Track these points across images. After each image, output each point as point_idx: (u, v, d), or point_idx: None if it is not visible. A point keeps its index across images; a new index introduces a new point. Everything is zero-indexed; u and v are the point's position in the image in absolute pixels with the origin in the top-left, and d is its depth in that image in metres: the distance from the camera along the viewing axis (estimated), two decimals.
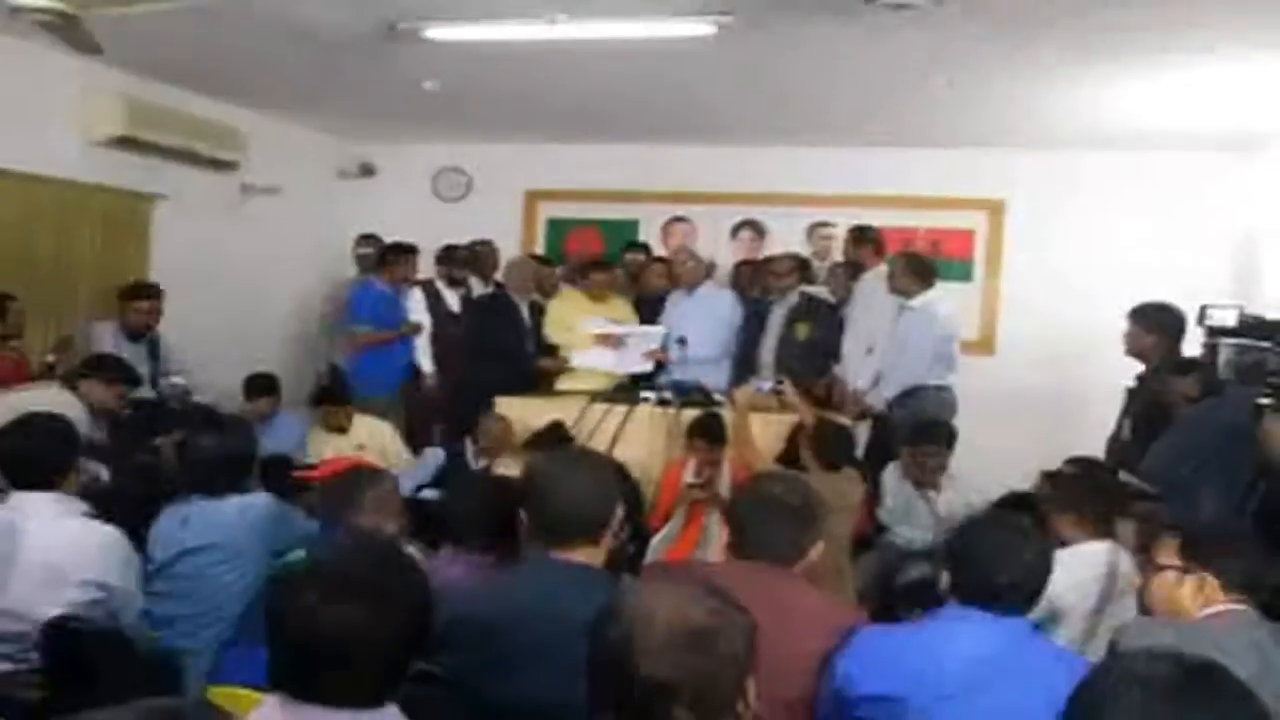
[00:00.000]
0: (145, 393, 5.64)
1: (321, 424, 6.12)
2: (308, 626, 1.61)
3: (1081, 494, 3.66)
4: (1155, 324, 4.93)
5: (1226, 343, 4.49)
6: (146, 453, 4.93)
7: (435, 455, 6.02)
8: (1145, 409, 4.82)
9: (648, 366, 6.56)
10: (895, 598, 4.88)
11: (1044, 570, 2.41)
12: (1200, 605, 2.61)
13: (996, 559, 2.36)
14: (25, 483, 3.23)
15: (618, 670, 1.49)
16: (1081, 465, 4.23)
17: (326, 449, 5.81)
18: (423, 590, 1.74)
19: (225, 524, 3.36)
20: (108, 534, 3.25)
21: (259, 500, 3.49)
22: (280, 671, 1.65)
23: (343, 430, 6.06)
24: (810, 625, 2.46)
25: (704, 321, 6.56)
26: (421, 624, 1.71)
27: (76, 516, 3.26)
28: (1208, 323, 4.73)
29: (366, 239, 7.64)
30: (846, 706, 2.34)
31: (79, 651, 2.95)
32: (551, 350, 6.83)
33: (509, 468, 5.14)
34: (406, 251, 7.09)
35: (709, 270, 7.17)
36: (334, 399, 6.17)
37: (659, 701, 1.46)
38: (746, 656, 1.54)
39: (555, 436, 5.45)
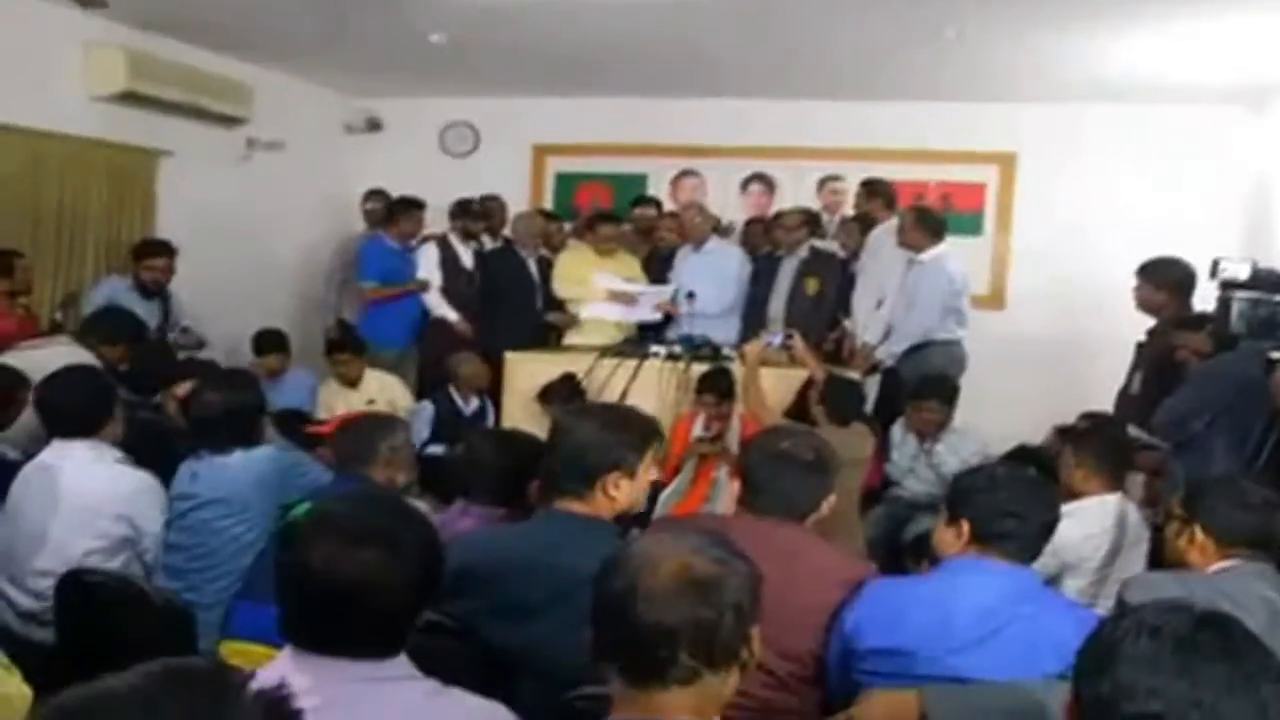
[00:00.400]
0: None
1: (333, 376, 6.15)
2: (319, 575, 1.61)
3: (1097, 448, 3.68)
4: (1164, 279, 4.90)
5: (1239, 296, 4.44)
6: (149, 409, 4.94)
7: (425, 409, 6.02)
8: (1155, 363, 4.81)
9: (656, 316, 6.58)
10: (903, 550, 4.92)
11: (1051, 512, 2.41)
12: (1198, 557, 2.63)
13: (1005, 499, 2.36)
14: (65, 432, 3.38)
15: (621, 617, 1.50)
16: (1096, 420, 4.24)
17: (338, 403, 5.83)
18: (431, 539, 1.74)
19: (232, 478, 3.38)
20: (141, 479, 3.39)
21: (266, 453, 3.51)
22: (291, 623, 1.65)
23: (354, 384, 6.08)
24: (820, 579, 2.47)
25: (711, 277, 6.54)
26: (431, 572, 1.71)
27: (110, 462, 3.39)
28: (1220, 276, 4.69)
29: (374, 194, 7.60)
30: (854, 659, 2.35)
31: (93, 603, 2.96)
32: (559, 305, 6.83)
33: (520, 421, 5.18)
34: (414, 206, 7.06)
35: (718, 226, 7.13)
36: (346, 349, 6.19)
37: (662, 647, 1.48)
38: (751, 606, 1.55)
39: (567, 389, 5.48)
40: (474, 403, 6.13)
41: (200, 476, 3.42)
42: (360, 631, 1.62)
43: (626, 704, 1.52)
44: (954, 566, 2.42)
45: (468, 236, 7.12)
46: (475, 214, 7.20)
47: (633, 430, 2.57)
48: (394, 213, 7.06)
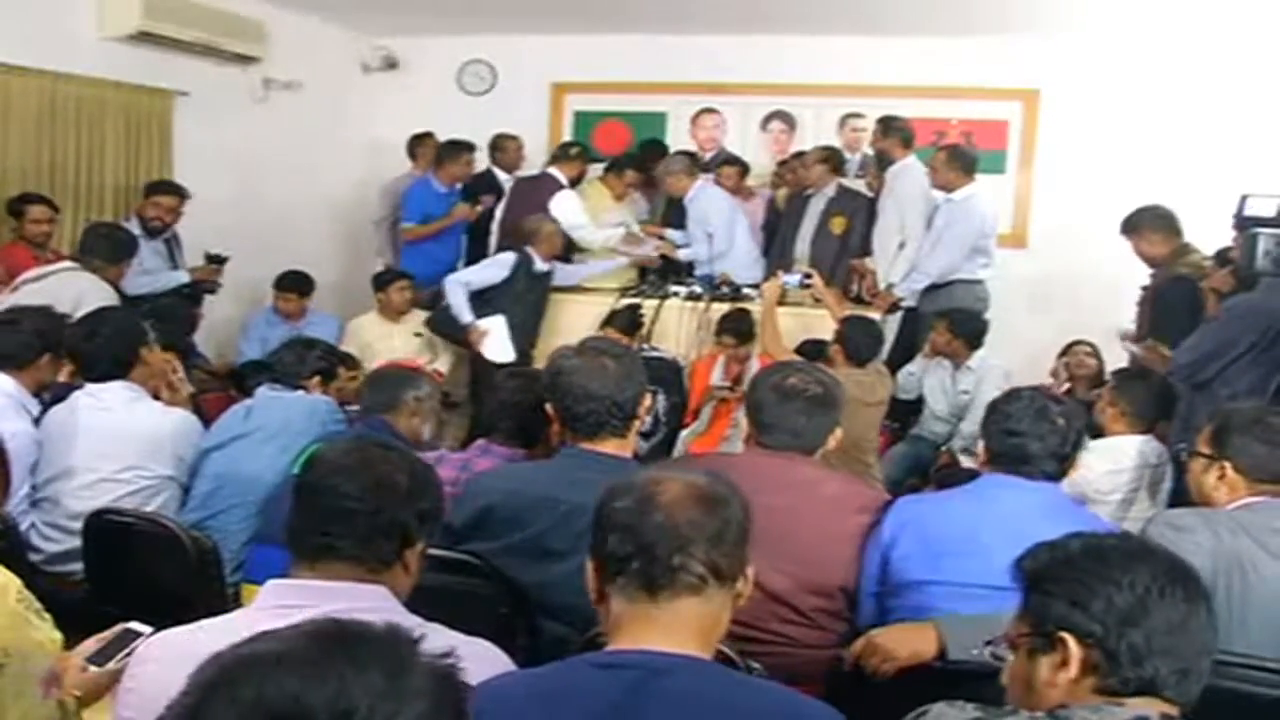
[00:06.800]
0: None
1: (380, 311, 6.25)
2: (330, 488, 1.74)
3: (1135, 393, 3.76)
4: (1143, 228, 4.87)
5: (1265, 233, 4.37)
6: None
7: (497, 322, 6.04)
8: (1150, 305, 4.82)
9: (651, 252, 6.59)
10: (929, 484, 4.94)
11: (1072, 435, 2.43)
12: (1226, 494, 2.60)
13: (1026, 424, 2.40)
14: (98, 375, 3.36)
15: (633, 529, 1.54)
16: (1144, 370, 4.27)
17: (377, 338, 6.03)
18: (433, 477, 1.87)
19: (285, 407, 3.47)
20: (183, 416, 3.47)
21: (321, 397, 3.59)
22: (296, 534, 1.75)
23: (400, 317, 6.19)
24: (837, 506, 2.50)
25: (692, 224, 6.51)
26: (432, 495, 1.84)
27: (148, 402, 3.43)
28: (1246, 212, 4.61)
29: (423, 138, 7.45)
30: (896, 583, 2.39)
31: (122, 544, 2.98)
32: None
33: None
34: (464, 149, 6.94)
35: (698, 170, 6.90)
36: (396, 277, 6.30)
37: (676, 553, 1.51)
38: (746, 533, 1.59)
39: (629, 317, 5.64)
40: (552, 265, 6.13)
41: (254, 411, 3.48)
42: (358, 541, 1.72)
43: (630, 624, 1.54)
44: (983, 482, 2.48)
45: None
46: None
47: (634, 361, 2.66)
48: (442, 156, 6.94)
